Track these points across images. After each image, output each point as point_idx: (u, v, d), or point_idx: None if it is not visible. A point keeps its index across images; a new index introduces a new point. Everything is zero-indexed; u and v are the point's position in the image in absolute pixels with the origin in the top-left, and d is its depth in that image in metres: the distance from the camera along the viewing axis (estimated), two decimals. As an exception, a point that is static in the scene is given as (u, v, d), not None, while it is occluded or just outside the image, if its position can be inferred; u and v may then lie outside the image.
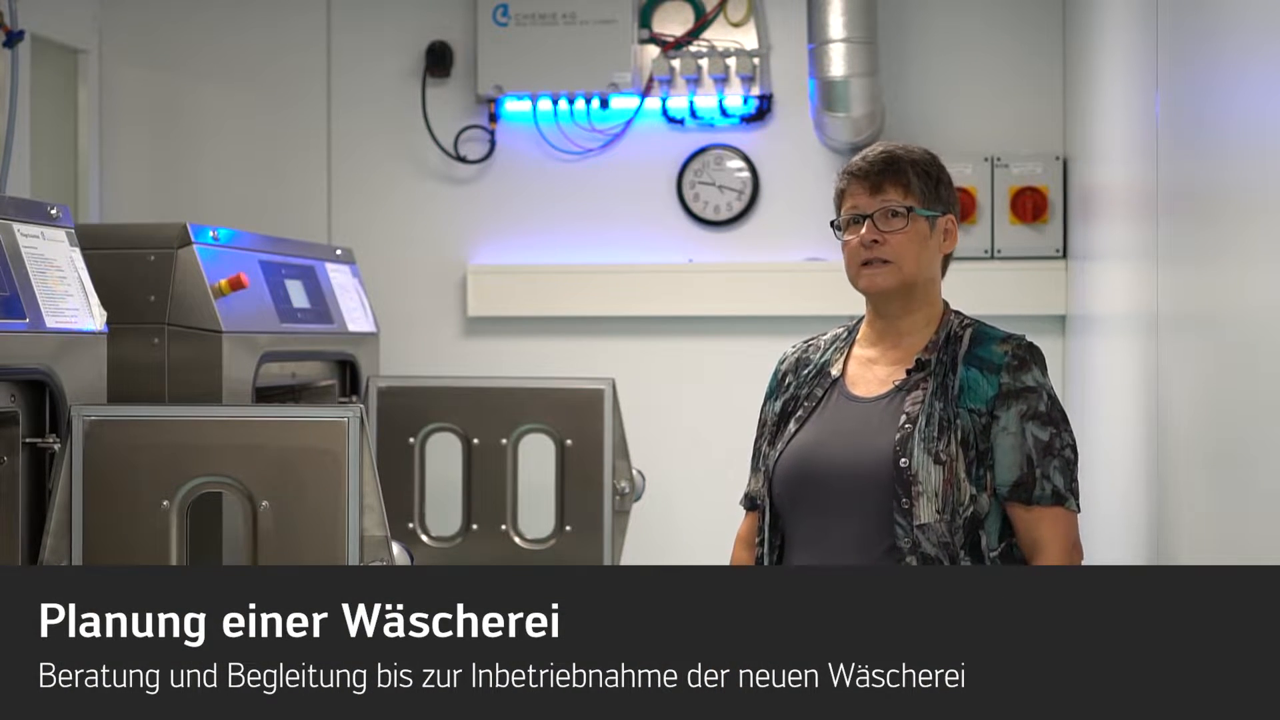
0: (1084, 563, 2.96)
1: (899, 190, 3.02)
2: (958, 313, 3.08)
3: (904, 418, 2.95)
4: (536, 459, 4.27)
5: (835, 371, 3.09)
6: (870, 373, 3.06)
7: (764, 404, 3.19)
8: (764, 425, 3.17)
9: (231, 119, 5.29)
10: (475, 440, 4.28)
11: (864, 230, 3.00)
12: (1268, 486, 2.19)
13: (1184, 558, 2.85)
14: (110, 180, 5.23)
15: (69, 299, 2.93)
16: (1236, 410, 2.41)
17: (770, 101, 5.10)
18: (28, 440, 2.88)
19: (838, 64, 4.70)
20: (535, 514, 4.27)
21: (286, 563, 2.87)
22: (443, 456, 4.34)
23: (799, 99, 4.99)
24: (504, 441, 4.26)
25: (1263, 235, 2.22)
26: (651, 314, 5.11)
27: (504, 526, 4.26)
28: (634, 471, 4.23)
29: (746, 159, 5.11)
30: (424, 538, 4.28)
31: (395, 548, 2.85)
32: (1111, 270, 3.98)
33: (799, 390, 3.11)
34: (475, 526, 4.28)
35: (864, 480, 2.94)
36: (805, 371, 3.14)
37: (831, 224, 3.08)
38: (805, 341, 3.21)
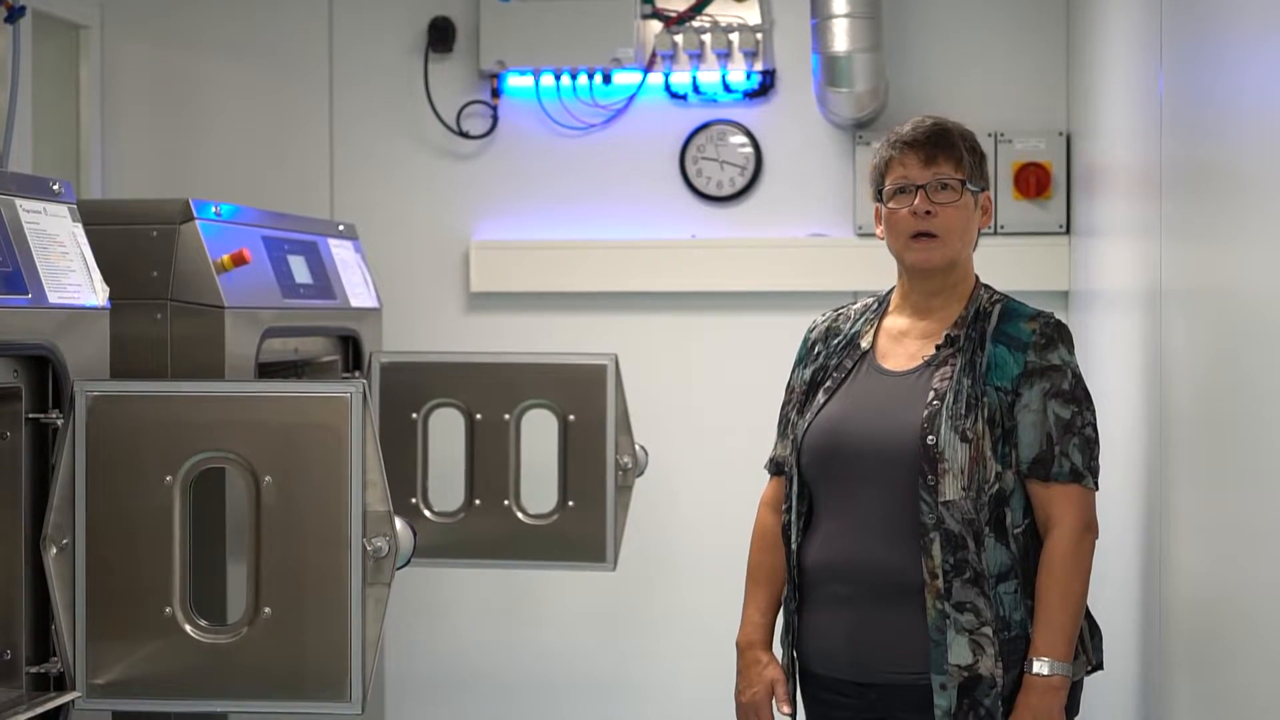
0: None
1: (951, 163, 3.05)
2: (987, 287, 3.13)
3: (932, 394, 2.98)
4: (539, 434, 4.27)
5: (865, 344, 3.13)
6: (900, 346, 3.10)
7: (793, 371, 3.23)
8: (792, 392, 3.21)
9: (234, 94, 5.28)
10: (478, 416, 4.28)
11: (916, 201, 3.03)
12: (1269, 462, 2.19)
13: (1184, 534, 2.85)
14: (112, 156, 5.22)
15: (71, 274, 2.93)
16: (1238, 386, 2.41)
17: (773, 77, 5.08)
18: (30, 416, 2.88)
19: (841, 39, 4.68)
20: (538, 489, 4.28)
21: (290, 538, 2.88)
22: (445, 432, 4.34)
23: (802, 74, 4.98)
24: (506, 417, 4.26)
25: (1266, 212, 2.22)
26: (654, 290, 5.11)
27: (506, 502, 4.26)
28: (637, 447, 4.23)
29: (749, 134, 5.10)
30: (427, 513, 4.29)
31: (398, 523, 2.86)
32: (1115, 246, 3.98)
33: (828, 360, 3.15)
34: (478, 502, 4.28)
35: (891, 455, 2.98)
36: (835, 341, 3.17)
37: (877, 193, 3.09)
38: (835, 310, 3.25)
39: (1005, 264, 4.84)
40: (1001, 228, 4.90)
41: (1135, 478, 3.35)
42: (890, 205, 3.07)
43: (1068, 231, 4.89)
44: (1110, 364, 3.87)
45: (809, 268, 5.00)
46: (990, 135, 4.90)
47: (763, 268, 5.05)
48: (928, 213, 3.02)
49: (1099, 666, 3.06)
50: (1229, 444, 2.48)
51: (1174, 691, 2.95)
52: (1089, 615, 3.04)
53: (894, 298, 3.17)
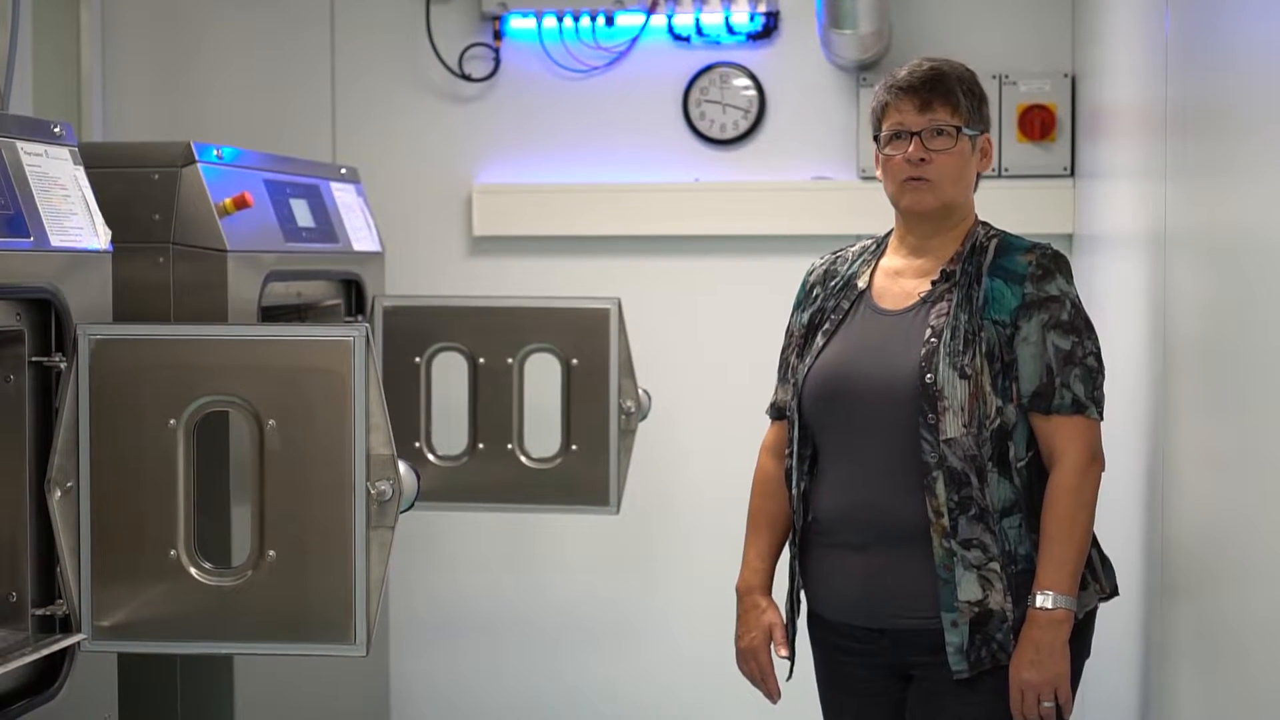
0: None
1: (947, 109, 3.03)
2: (985, 224, 3.12)
3: (929, 331, 2.98)
4: (542, 378, 4.27)
5: (861, 284, 3.12)
6: (897, 285, 3.09)
7: (792, 314, 3.22)
8: (791, 336, 3.21)
9: (236, 36, 5.26)
10: (481, 360, 4.28)
11: (910, 148, 3.02)
12: (1276, 403, 2.19)
13: (1189, 476, 2.85)
14: (114, 99, 5.20)
15: (73, 217, 2.92)
16: (1244, 329, 2.41)
17: (777, 18, 5.06)
18: (33, 359, 2.88)
19: (845, -20, 4.65)
20: (541, 433, 4.28)
21: (294, 481, 2.88)
22: (449, 376, 4.34)
23: (805, 16, 4.95)
24: (510, 361, 4.26)
25: (1272, 152, 2.21)
26: (657, 233, 5.10)
27: (510, 446, 4.27)
28: (640, 391, 4.23)
29: (753, 77, 5.07)
30: (430, 457, 4.29)
31: (402, 467, 2.86)
32: (1119, 188, 3.97)
33: (826, 302, 3.14)
34: (481, 446, 4.28)
35: (892, 396, 2.98)
36: (833, 283, 3.16)
37: (874, 138, 3.09)
38: (833, 253, 3.24)
39: (1009, 207, 4.80)
40: (1005, 170, 4.89)
41: (1139, 417, 3.35)
42: (886, 151, 3.07)
43: (1072, 174, 4.88)
44: (1114, 307, 3.86)
45: (812, 211, 4.99)
46: (994, 77, 4.87)
47: (766, 211, 5.04)
48: (921, 159, 3.01)
49: (1114, 592, 3.09)
50: (1234, 384, 2.47)
51: (1176, 619, 2.96)
52: (1098, 545, 3.06)
53: (891, 240, 3.17)
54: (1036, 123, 4.87)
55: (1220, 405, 2.59)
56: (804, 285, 3.23)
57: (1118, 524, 3.50)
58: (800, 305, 3.21)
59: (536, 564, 5.24)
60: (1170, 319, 3.07)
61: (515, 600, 5.24)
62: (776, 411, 3.24)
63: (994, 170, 4.87)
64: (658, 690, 5.16)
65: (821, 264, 3.23)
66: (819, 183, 5.03)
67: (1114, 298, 3.89)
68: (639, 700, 5.18)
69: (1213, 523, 2.63)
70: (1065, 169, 4.88)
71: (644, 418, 4.27)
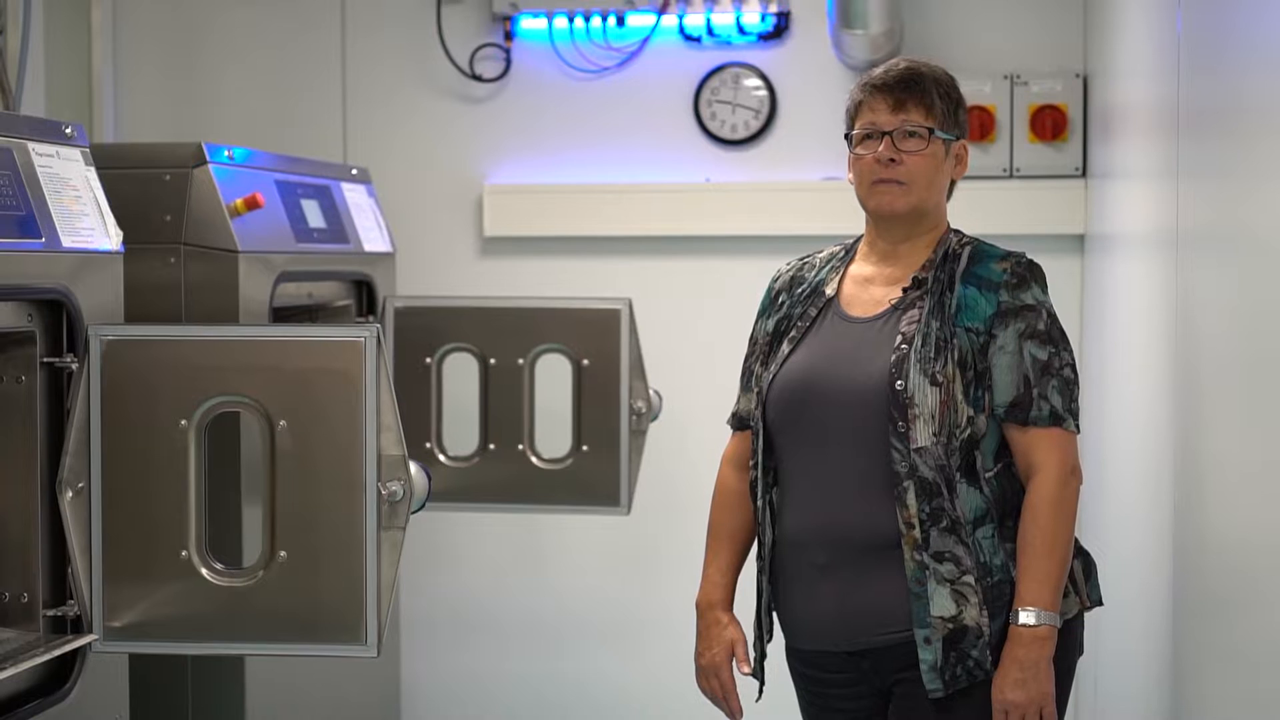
0: (1083, 486, 2.92)
1: (921, 110, 2.94)
2: (957, 231, 3.03)
3: (900, 338, 2.89)
4: (553, 379, 4.27)
5: (830, 291, 3.04)
6: (866, 292, 3.01)
7: (756, 322, 3.14)
8: (755, 344, 3.13)
9: (247, 37, 5.26)
10: (492, 360, 4.28)
11: (881, 147, 2.93)
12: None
13: (1210, 476, 2.84)
14: (125, 99, 5.20)
15: (85, 218, 2.93)
16: (1259, 331, 2.40)
17: (788, 19, 5.05)
18: (45, 360, 2.88)
19: (855, -20, 4.64)
20: (552, 434, 4.28)
21: (305, 482, 2.88)
22: (460, 377, 4.34)
23: (816, 16, 4.95)
24: (521, 362, 4.26)
25: (1285, 152, 2.21)
26: (668, 233, 5.09)
27: (520, 446, 4.27)
28: (651, 391, 4.23)
29: (764, 77, 5.07)
30: (441, 457, 4.30)
31: (413, 467, 2.86)
32: (1131, 189, 3.96)
33: (792, 309, 3.06)
34: (492, 446, 4.28)
35: (860, 404, 2.89)
36: (799, 290, 3.08)
37: (845, 136, 3.01)
38: (800, 259, 3.15)
39: (1020, 207, 4.82)
40: (1017, 171, 4.88)
41: (1159, 420, 3.34)
42: (857, 150, 2.97)
43: (1084, 174, 4.87)
44: (1126, 307, 3.86)
45: (823, 211, 4.97)
46: (1006, 77, 4.87)
47: (777, 211, 5.03)
48: (892, 160, 2.92)
49: (1097, 603, 3.00)
50: (1252, 387, 2.47)
51: (1200, 632, 2.92)
52: (1084, 552, 2.98)
53: (861, 246, 3.07)
54: (1048, 123, 4.86)
55: (1241, 409, 2.58)
56: (769, 292, 3.14)
57: (1140, 535, 3.48)
58: (765, 312, 3.12)
59: (547, 564, 5.24)
60: (1184, 321, 3.05)
61: (525, 600, 5.24)
62: (738, 422, 3.14)
63: (1005, 171, 4.87)
64: (665, 690, 5.16)
65: (788, 270, 3.13)
66: (830, 183, 5.02)
67: (1126, 299, 3.88)
68: (647, 700, 5.17)
69: (1244, 533, 2.59)
70: (1077, 169, 4.87)
71: (655, 418, 4.27)
